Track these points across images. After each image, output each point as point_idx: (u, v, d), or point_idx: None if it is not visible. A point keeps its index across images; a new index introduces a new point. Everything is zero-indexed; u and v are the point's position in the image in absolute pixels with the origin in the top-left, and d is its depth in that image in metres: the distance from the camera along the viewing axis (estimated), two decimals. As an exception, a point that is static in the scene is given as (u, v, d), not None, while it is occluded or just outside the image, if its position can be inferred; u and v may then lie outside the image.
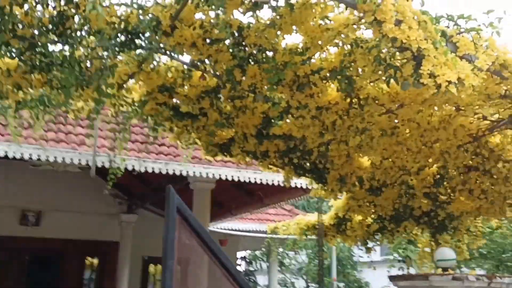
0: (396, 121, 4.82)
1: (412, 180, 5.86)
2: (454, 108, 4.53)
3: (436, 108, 4.51)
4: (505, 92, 4.22)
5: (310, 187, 7.30)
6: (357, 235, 7.28)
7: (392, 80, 4.11)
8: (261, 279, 19.32)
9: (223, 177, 7.16)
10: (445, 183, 5.67)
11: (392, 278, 5.68)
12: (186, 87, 4.90)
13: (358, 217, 7.06)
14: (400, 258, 15.85)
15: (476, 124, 4.79)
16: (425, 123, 4.67)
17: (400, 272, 15.89)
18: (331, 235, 8.40)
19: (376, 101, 4.34)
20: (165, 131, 5.74)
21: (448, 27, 3.40)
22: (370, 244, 7.34)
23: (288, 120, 5.09)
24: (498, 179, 5.17)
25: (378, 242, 7.72)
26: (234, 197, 9.41)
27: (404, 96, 4.11)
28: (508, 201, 5.52)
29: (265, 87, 4.50)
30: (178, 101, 5.23)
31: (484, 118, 4.70)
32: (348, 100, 4.47)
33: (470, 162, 5.28)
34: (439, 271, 5.00)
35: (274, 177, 7.47)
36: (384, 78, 3.62)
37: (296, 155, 5.57)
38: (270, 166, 6.29)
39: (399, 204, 6.36)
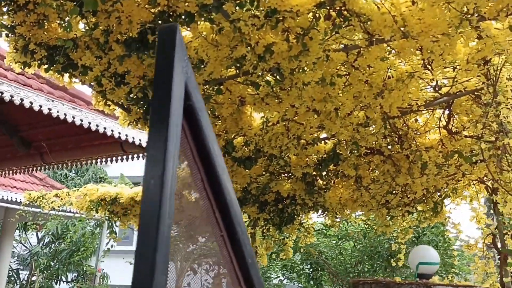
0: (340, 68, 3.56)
1: (295, 155, 4.67)
2: (421, 64, 3.52)
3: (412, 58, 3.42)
4: (491, 59, 3.41)
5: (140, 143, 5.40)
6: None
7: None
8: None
9: (34, 107, 4.39)
10: (332, 165, 4.65)
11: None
12: None
13: (192, 195, 5.49)
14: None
15: (422, 93, 3.88)
16: (380, 79, 3.53)
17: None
18: (133, 214, 6.57)
19: (362, 22, 2.98)
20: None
21: None
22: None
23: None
24: (402, 168, 4.39)
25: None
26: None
27: (414, 19, 2.86)
28: (386, 197, 4.82)
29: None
30: None
31: (437, 88, 3.83)
32: (322, 11, 2.99)
33: (374, 144, 4.37)
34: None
35: (99, 120, 5.11)
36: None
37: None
38: (109, 103, 4.28)
39: (256, 184, 5.10)
